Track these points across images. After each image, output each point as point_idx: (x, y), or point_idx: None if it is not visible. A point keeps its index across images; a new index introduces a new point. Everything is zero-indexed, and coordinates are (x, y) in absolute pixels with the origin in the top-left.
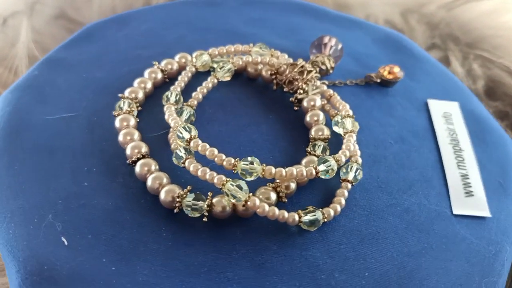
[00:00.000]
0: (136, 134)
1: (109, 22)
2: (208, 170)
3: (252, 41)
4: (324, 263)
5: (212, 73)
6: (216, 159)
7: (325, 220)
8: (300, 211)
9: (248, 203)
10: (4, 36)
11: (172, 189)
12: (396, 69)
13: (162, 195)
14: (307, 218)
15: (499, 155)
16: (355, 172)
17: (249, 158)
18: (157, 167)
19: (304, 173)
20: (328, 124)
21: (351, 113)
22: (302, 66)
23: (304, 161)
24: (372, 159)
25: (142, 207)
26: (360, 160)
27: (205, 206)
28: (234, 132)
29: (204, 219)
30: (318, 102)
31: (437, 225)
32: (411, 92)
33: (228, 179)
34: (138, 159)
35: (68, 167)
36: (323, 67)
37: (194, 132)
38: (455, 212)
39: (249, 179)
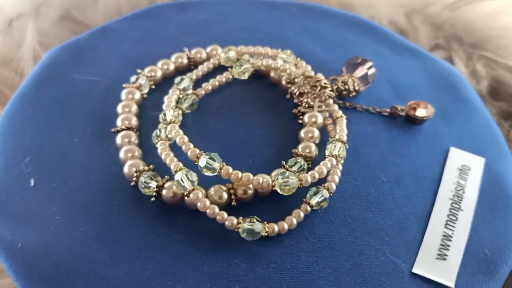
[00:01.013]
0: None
1: (171, 6)
2: (172, 154)
3: (296, 48)
4: (245, 274)
5: (229, 69)
6: (183, 146)
7: (266, 234)
8: (240, 218)
9: (191, 194)
10: (10, 38)
11: (136, 164)
12: (426, 107)
13: (126, 168)
14: (245, 225)
15: (501, 228)
16: (320, 199)
17: (212, 154)
18: (137, 141)
19: (260, 182)
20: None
21: (344, 139)
22: (318, 81)
23: (274, 172)
24: (353, 191)
25: (110, 174)
26: (333, 188)
27: (154, 186)
28: (229, 129)
29: (152, 199)
30: (320, 119)
31: (386, 277)
32: (437, 136)
33: (184, 168)
34: (123, 129)
35: (69, 123)
36: (344, 88)
37: (176, 117)
38: (414, 270)
39: (206, 173)
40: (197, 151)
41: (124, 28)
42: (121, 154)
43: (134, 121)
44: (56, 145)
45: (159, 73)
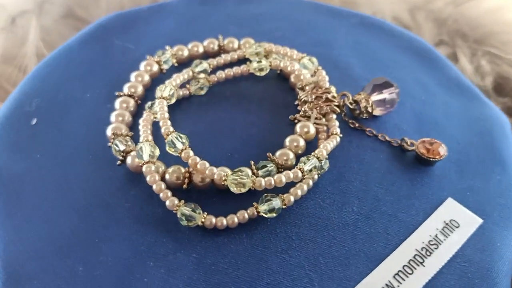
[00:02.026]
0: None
1: None
2: (149, 126)
3: (335, 59)
4: (165, 255)
5: (248, 62)
6: (161, 122)
7: (202, 223)
8: (182, 201)
9: (144, 167)
10: (13, 36)
11: (118, 127)
12: (436, 149)
13: (108, 129)
14: (183, 209)
15: None
16: (269, 206)
17: (182, 135)
18: (133, 109)
19: (214, 173)
20: None
21: (322, 156)
22: (324, 92)
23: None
24: (314, 211)
25: (100, 131)
26: (290, 201)
27: (122, 150)
28: (225, 120)
29: (118, 163)
30: (312, 130)
31: None
32: (441, 182)
33: (150, 141)
34: (124, 95)
35: (90, 79)
36: (353, 106)
37: (171, 96)
38: None
39: (169, 151)
40: (171, 129)
41: (181, 8)
42: (112, 116)
43: (140, 90)
44: (69, 95)
45: (185, 53)
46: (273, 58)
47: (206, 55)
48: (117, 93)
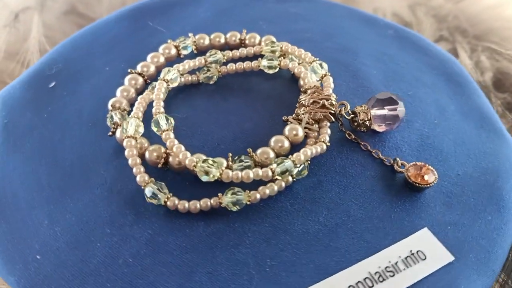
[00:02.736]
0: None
1: None
2: (143, 105)
3: (355, 68)
4: (130, 225)
5: (259, 59)
6: (154, 102)
7: (164, 204)
8: (152, 179)
9: (125, 141)
10: (16, 31)
11: (119, 101)
12: (425, 175)
13: (109, 102)
14: (150, 187)
15: None
16: (232, 199)
17: (169, 117)
18: (139, 86)
19: (186, 158)
20: None
21: (299, 160)
22: (325, 99)
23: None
24: (277, 213)
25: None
26: (256, 198)
27: (113, 122)
28: (224, 110)
29: (109, 134)
30: (300, 133)
31: None
32: (423, 211)
33: (138, 118)
34: (134, 73)
35: (115, 54)
36: (350, 117)
37: (173, 80)
38: None
39: (153, 129)
40: (161, 109)
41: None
42: (117, 91)
43: (152, 70)
44: (90, 66)
45: (206, 42)
46: (289, 58)
47: (227, 47)
48: (129, 70)
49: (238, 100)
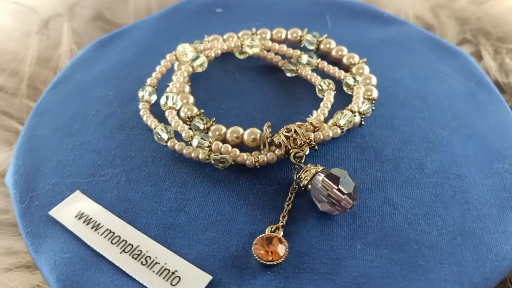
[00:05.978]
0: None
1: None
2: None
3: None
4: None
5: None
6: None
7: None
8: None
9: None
10: (47, 38)
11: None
12: (282, 243)
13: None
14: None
15: None
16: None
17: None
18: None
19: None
20: None
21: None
22: (301, 140)
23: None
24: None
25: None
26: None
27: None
28: (238, 86)
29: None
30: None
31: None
32: None
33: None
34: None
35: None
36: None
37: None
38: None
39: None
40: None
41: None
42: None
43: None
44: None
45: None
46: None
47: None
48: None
49: (260, 84)
